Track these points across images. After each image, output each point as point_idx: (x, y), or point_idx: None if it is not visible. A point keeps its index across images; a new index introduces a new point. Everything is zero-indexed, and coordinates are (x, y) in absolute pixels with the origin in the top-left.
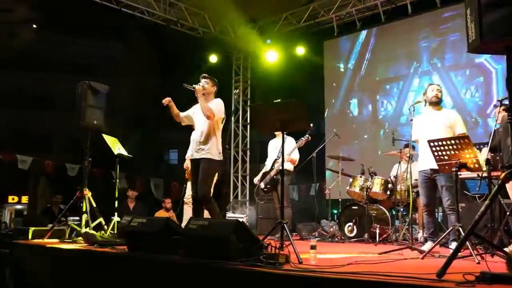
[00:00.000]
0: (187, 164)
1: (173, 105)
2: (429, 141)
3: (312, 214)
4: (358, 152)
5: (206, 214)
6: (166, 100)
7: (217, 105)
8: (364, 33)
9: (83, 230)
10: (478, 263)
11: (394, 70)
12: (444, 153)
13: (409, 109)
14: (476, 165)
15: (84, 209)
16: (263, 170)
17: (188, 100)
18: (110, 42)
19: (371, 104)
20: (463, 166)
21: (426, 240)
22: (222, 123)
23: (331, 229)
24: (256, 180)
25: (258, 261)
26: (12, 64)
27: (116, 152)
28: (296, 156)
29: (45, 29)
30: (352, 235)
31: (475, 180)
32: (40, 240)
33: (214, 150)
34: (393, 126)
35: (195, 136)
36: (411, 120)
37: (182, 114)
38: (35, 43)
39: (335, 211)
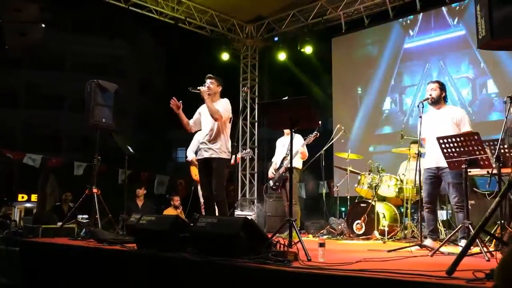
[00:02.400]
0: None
1: (182, 115)
2: (438, 138)
3: (320, 211)
4: (367, 149)
5: None
6: (174, 104)
7: (224, 106)
8: (371, 29)
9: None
10: (488, 260)
11: (403, 67)
12: (453, 150)
13: (417, 106)
14: (486, 162)
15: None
16: (273, 167)
17: (195, 99)
18: (118, 41)
19: (379, 100)
20: (473, 163)
21: (426, 238)
22: (229, 122)
23: (340, 227)
24: (270, 173)
25: (267, 259)
26: (21, 64)
27: (125, 150)
28: (305, 150)
29: (53, 28)
30: (361, 232)
31: (485, 177)
32: (50, 238)
33: (223, 149)
34: (401, 122)
35: (203, 136)
36: (420, 117)
37: (190, 121)
38: (44, 43)
39: (343, 209)
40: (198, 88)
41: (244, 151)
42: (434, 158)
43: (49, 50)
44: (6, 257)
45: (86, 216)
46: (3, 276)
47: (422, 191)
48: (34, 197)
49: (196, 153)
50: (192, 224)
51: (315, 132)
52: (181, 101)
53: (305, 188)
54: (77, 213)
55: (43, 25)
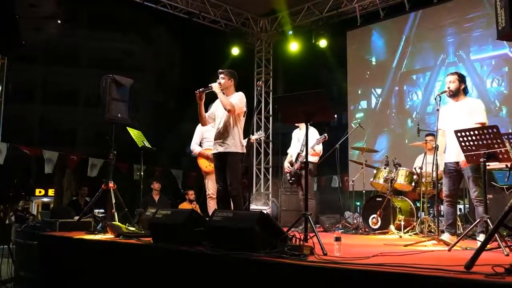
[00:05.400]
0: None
1: (202, 107)
2: (455, 132)
3: (333, 206)
4: (383, 143)
5: None
6: (198, 96)
7: (238, 99)
8: (387, 22)
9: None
10: (507, 255)
11: (420, 60)
12: (471, 143)
13: (435, 99)
14: (505, 156)
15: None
16: (288, 159)
17: (211, 93)
18: (133, 36)
19: (396, 94)
20: (491, 156)
21: (443, 232)
22: (243, 116)
23: (355, 221)
24: (286, 167)
25: (282, 253)
26: (36, 59)
27: (140, 145)
28: (319, 148)
29: (69, 24)
30: (376, 227)
31: (503, 171)
32: (67, 232)
33: (237, 144)
34: (419, 116)
35: (217, 131)
36: (437, 110)
37: (207, 114)
38: (60, 38)
39: (358, 203)
40: (209, 85)
41: (256, 133)
42: (454, 152)
43: (64, 45)
44: (25, 251)
45: (102, 210)
46: (21, 269)
47: (442, 184)
48: (51, 192)
49: (200, 145)
50: (207, 218)
51: (324, 135)
52: (199, 91)
53: (318, 183)
54: (93, 208)
55: (59, 21)
